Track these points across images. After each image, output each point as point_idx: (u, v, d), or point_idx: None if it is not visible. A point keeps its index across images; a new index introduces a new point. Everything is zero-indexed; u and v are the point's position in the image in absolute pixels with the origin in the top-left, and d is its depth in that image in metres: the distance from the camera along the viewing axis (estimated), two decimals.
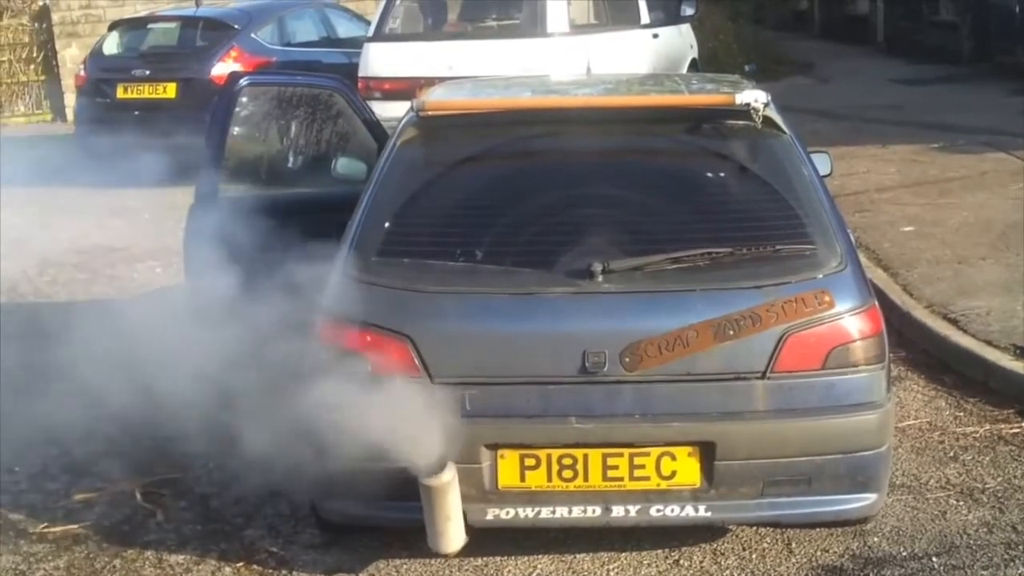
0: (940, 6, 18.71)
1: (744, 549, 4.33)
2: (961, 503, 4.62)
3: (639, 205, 4.18)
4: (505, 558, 4.29)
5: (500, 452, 3.88)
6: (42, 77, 17.99)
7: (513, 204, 4.19)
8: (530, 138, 4.43)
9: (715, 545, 4.35)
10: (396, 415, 3.74)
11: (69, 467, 5.22)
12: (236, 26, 12.85)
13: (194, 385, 4.51)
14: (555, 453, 3.86)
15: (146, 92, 12.51)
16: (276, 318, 4.18)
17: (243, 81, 5.70)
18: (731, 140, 4.33)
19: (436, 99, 4.77)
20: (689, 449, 3.85)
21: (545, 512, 3.90)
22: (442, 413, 3.78)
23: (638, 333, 3.82)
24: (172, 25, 13.50)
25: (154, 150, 10.64)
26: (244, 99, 5.66)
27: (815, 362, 3.86)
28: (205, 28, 13.06)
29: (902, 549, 4.29)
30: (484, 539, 4.07)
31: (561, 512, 3.90)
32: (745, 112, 4.23)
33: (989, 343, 6.06)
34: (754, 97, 4.23)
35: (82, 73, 13.39)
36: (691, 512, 3.90)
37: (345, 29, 14.14)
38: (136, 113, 12.33)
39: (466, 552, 3.99)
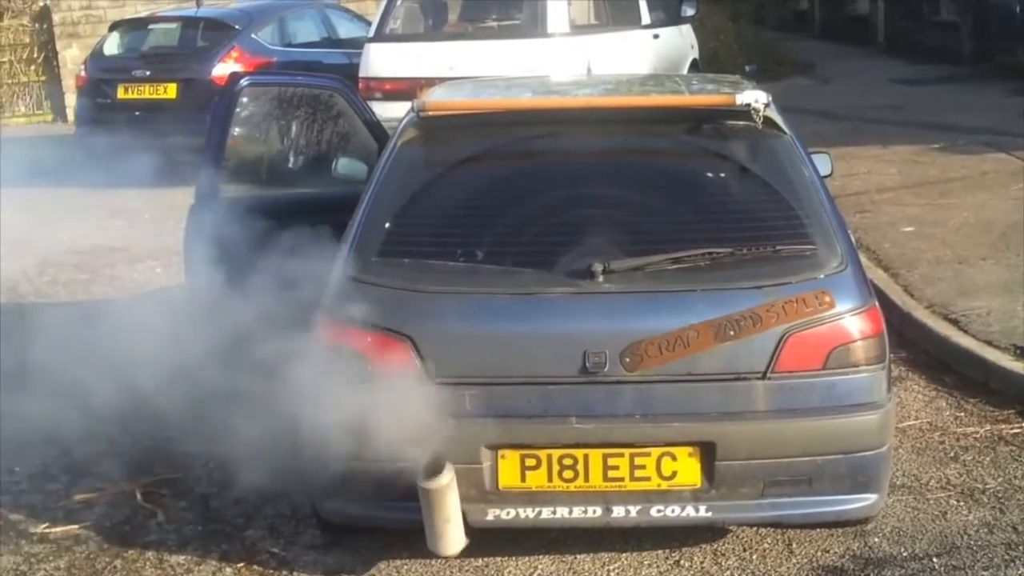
0: (941, 6, 18.71)
1: (745, 549, 4.33)
2: (962, 503, 4.62)
3: (640, 205, 4.18)
4: (506, 558, 4.29)
5: (501, 452, 3.87)
6: (43, 78, 18.00)
7: (514, 204, 4.19)
8: (531, 138, 4.43)
9: (716, 546, 4.35)
10: (396, 415, 3.74)
11: (69, 467, 5.22)
12: (237, 27, 12.86)
13: (194, 385, 4.51)
14: (556, 453, 3.86)
15: (147, 92, 12.52)
16: (276, 318, 4.18)
17: (244, 81, 5.70)
18: (732, 140, 4.33)
19: (437, 99, 4.77)
20: (690, 449, 3.85)
21: (546, 512, 3.90)
22: (442, 413, 3.79)
23: (639, 333, 3.82)
24: (173, 26, 13.51)
25: (155, 150, 10.66)
26: (245, 99, 5.66)
27: (816, 362, 3.86)
28: (206, 28, 13.06)
29: (903, 549, 4.29)
30: (485, 539, 4.07)
31: (562, 512, 3.90)
32: (746, 112, 4.24)
33: (990, 343, 6.06)
34: (754, 97, 4.23)
35: (83, 73, 13.39)
36: (692, 512, 3.89)
37: (346, 29, 14.15)
38: (137, 113, 12.34)
39: (467, 552, 3.98)
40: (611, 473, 3.86)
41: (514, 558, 4.29)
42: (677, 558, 4.28)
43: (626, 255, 3.96)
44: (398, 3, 10.94)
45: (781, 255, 3.98)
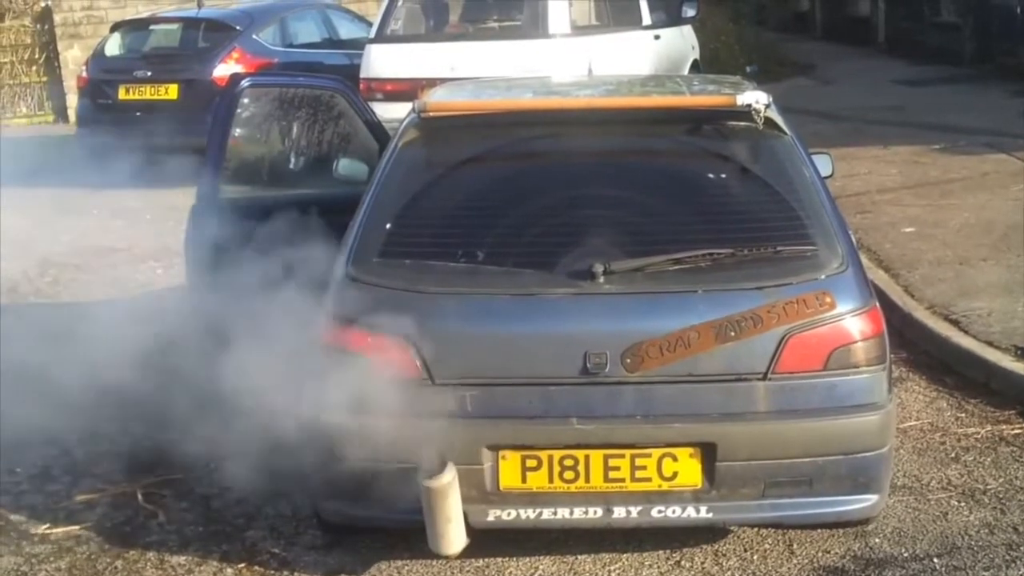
0: (942, 7, 18.71)
1: (745, 550, 4.33)
2: (962, 504, 4.62)
3: (640, 206, 4.18)
4: (507, 559, 4.29)
5: (501, 453, 3.88)
6: (44, 78, 18.00)
7: (514, 205, 4.19)
8: (532, 139, 4.43)
9: (716, 546, 4.35)
10: (397, 416, 3.75)
11: (70, 468, 5.22)
12: (238, 27, 12.86)
13: (195, 386, 4.51)
14: (556, 454, 3.86)
15: (148, 93, 12.51)
16: (277, 319, 4.18)
17: (245, 82, 5.70)
18: (732, 141, 4.33)
19: (438, 100, 4.78)
20: (690, 450, 3.85)
21: (546, 513, 3.90)
22: (443, 414, 3.79)
23: (639, 334, 3.82)
24: (174, 26, 13.51)
25: (156, 151, 10.68)
26: (246, 100, 5.66)
27: (816, 363, 3.86)
28: (207, 29, 13.06)
29: (903, 550, 4.29)
30: (485, 540, 4.07)
31: (562, 513, 3.90)
32: (746, 113, 4.24)
33: (990, 344, 6.06)
34: (755, 98, 4.23)
35: (84, 74, 13.39)
36: (692, 513, 3.90)
37: (347, 30, 14.15)
38: (138, 114, 12.33)
39: (467, 553, 3.99)
40: (612, 474, 3.86)
41: (515, 559, 4.29)
42: (678, 559, 4.28)
43: (627, 256, 3.96)
44: (399, 4, 10.94)
45: (782, 256, 3.98)
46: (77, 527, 4.70)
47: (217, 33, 12.90)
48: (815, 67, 18.95)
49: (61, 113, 17.66)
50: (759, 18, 23.94)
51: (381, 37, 10.84)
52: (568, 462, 3.86)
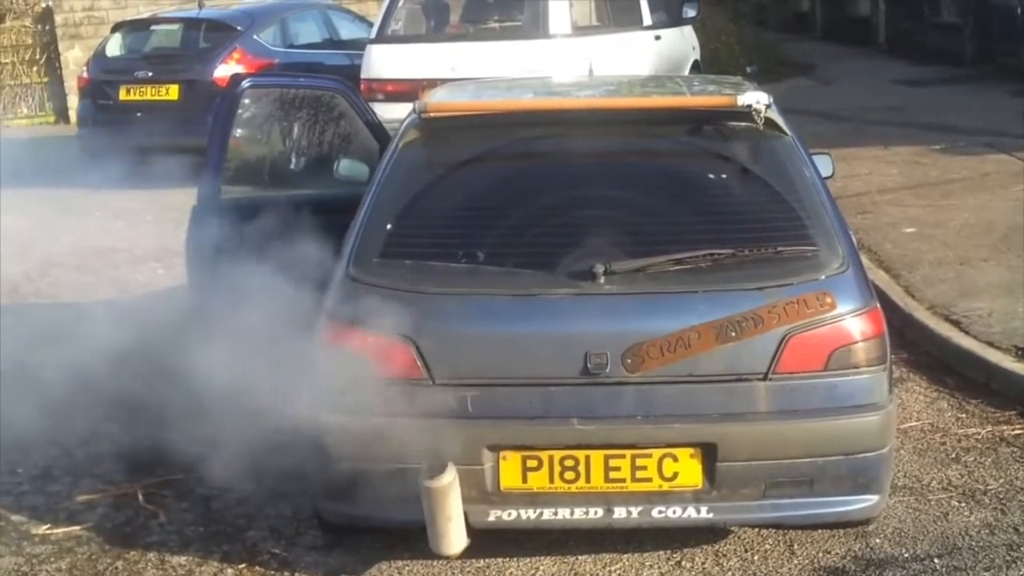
0: (942, 7, 18.72)
1: (746, 550, 4.33)
2: (963, 505, 4.62)
3: (641, 206, 4.18)
4: (507, 560, 4.29)
5: (502, 453, 3.88)
6: (45, 79, 18.02)
7: (515, 206, 4.19)
8: (532, 140, 4.43)
9: (717, 546, 4.35)
10: (398, 417, 3.75)
11: (71, 469, 5.23)
12: (239, 28, 12.86)
13: (196, 386, 4.51)
14: (557, 454, 3.86)
15: (149, 94, 12.51)
16: (278, 319, 4.18)
17: (245, 83, 5.70)
18: (733, 142, 4.33)
19: (438, 101, 4.78)
20: (691, 450, 3.85)
21: (547, 513, 3.91)
22: (444, 414, 3.79)
23: (640, 334, 3.82)
24: (175, 27, 13.51)
25: (156, 152, 10.68)
26: (246, 101, 5.66)
27: (817, 363, 3.86)
28: (208, 30, 13.06)
29: (904, 550, 4.29)
30: (486, 540, 4.07)
31: (563, 513, 3.90)
32: (747, 114, 4.24)
33: (991, 345, 6.06)
34: (755, 99, 4.23)
35: (84, 75, 13.39)
36: (693, 513, 3.90)
37: (348, 31, 14.15)
38: (139, 115, 12.33)
39: (468, 554, 3.99)
40: (612, 474, 3.86)
41: (516, 559, 4.30)
42: (679, 559, 4.28)
43: (627, 256, 3.96)
44: (400, 4, 10.94)
45: (782, 256, 3.98)
46: (78, 527, 4.70)
47: (218, 34, 12.90)
48: (815, 67, 18.96)
49: (62, 114, 17.67)
50: (759, 18, 23.98)
51: (382, 37, 10.84)
52: (569, 462, 3.86)
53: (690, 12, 12.71)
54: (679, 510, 3.89)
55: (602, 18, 11.60)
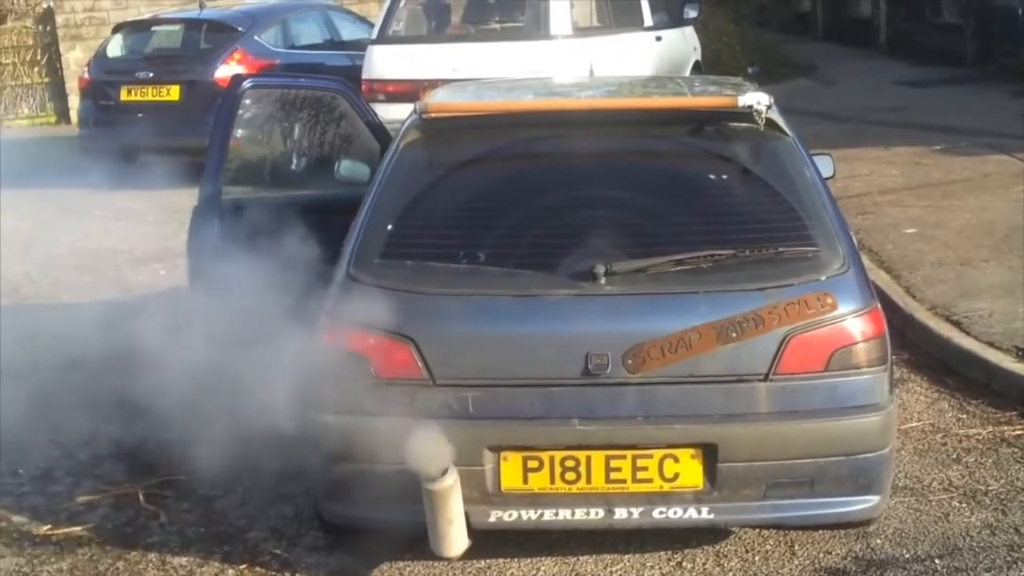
0: (943, 8, 18.71)
1: (747, 551, 4.33)
2: (964, 505, 4.62)
3: (642, 207, 4.18)
4: (508, 560, 4.29)
5: (503, 454, 3.88)
6: (46, 80, 18.04)
7: (516, 206, 4.19)
8: (533, 140, 4.43)
9: (718, 547, 4.35)
10: (398, 417, 3.75)
11: (72, 469, 5.23)
12: (240, 28, 12.86)
13: (197, 387, 4.51)
14: (558, 455, 3.86)
15: (150, 94, 12.51)
16: (279, 320, 4.19)
17: (246, 83, 5.70)
18: (733, 142, 4.33)
19: (439, 101, 4.78)
20: (692, 451, 3.85)
21: (548, 514, 3.91)
22: (445, 415, 3.79)
23: (641, 335, 3.82)
24: (176, 28, 13.51)
25: (158, 152, 10.69)
26: (247, 101, 5.66)
27: (818, 364, 3.86)
28: (209, 31, 13.06)
29: (905, 551, 4.29)
30: (487, 541, 4.07)
31: (564, 514, 3.90)
32: (747, 114, 4.24)
33: (992, 345, 6.06)
34: (756, 99, 4.23)
35: (85, 75, 13.39)
36: (694, 514, 3.90)
37: (349, 31, 14.15)
38: (140, 115, 12.33)
39: (469, 554, 3.98)
40: (613, 475, 3.86)
41: (516, 560, 4.30)
42: (679, 559, 4.28)
43: (628, 257, 3.96)
44: (401, 5, 10.94)
45: (783, 257, 3.98)
46: (79, 528, 4.70)
47: (219, 34, 12.90)
48: (816, 68, 18.95)
49: (63, 114, 17.69)
50: (760, 19, 23.96)
51: (383, 38, 10.84)
52: (569, 463, 3.86)
53: (691, 13, 12.71)
54: (680, 511, 3.89)
55: (603, 19, 11.60)
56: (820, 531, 4.36)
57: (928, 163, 10.84)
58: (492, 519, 3.92)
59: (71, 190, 10.60)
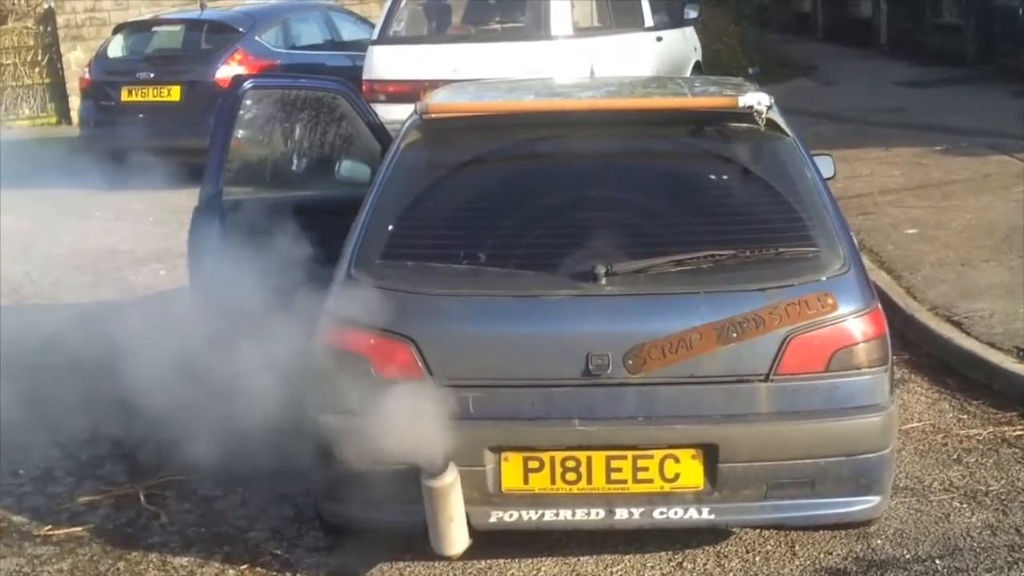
0: (943, 8, 18.73)
1: (747, 551, 4.33)
2: (964, 506, 4.62)
3: (642, 208, 4.18)
4: (509, 561, 4.29)
5: (504, 454, 3.88)
6: (47, 80, 18.04)
7: (517, 207, 4.19)
8: (534, 141, 4.43)
9: (718, 548, 4.35)
10: (399, 418, 3.75)
11: (73, 470, 5.23)
12: (240, 29, 12.87)
13: (198, 387, 4.52)
14: (558, 455, 3.86)
15: (150, 95, 12.52)
16: (279, 321, 4.19)
17: (247, 84, 5.71)
18: (734, 143, 4.33)
19: (440, 102, 4.78)
20: (692, 451, 3.85)
21: (548, 515, 3.91)
22: (445, 415, 3.79)
23: (642, 335, 3.82)
24: (176, 28, 13.52)
25: (158, 153, 10.69)
26: (248, 102, 5.66)
27: (818, 364, 3.86)
28: (209, 31, 13.07)
29: (905, 552, 4.29)
30: (488, 542, 4.07)
31: (564, 515, 3.90)
32: (748, 115, 4.24)
33: (992, 345, 6.06)
34: (757, 100, 4.23)
35: (86, 76, 13.40)
36: (694, 515, 3.90)
37: (349, 32, 14.16)
38: (140, 116, 12.35)
39: (469, 555, 3.99)
40: (614, 475, 3.86)
41: (517, 560, 4.30)
42: (680, 560, 4.28)
43: (629, 257, 3.96)
44: (402, 5, 10.94)
45: (784, 257, 3.98)
46: (79, 528, 4.70)
47: (220, 35, 12.91)
48: (817, 68, 18.96)
49: (64, 115, 17.69)
50: (761, 19, 23.98)
51: (384, 39, 10.85)
52: (570, 463, 3.86)
53: (692, 13, 12.71)
54: (680, 511, 3.89)
55: (604, 19, 11.60)
56: (821, 532, 4.36)
57: (929, 163, 10.84)
58: (493, 519, 3.92)
59: (72, 190, 10.60)
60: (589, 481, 3.87)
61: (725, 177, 4.31)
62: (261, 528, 4.65)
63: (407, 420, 3.74)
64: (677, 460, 3.85)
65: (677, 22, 12.64)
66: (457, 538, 3.86)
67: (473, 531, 3.89)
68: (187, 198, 6.12)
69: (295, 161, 6.04)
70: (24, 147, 13.73)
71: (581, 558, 4.30)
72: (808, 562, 4.25)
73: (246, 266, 4.64)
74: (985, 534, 4.39)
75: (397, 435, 3.74)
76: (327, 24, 14.15)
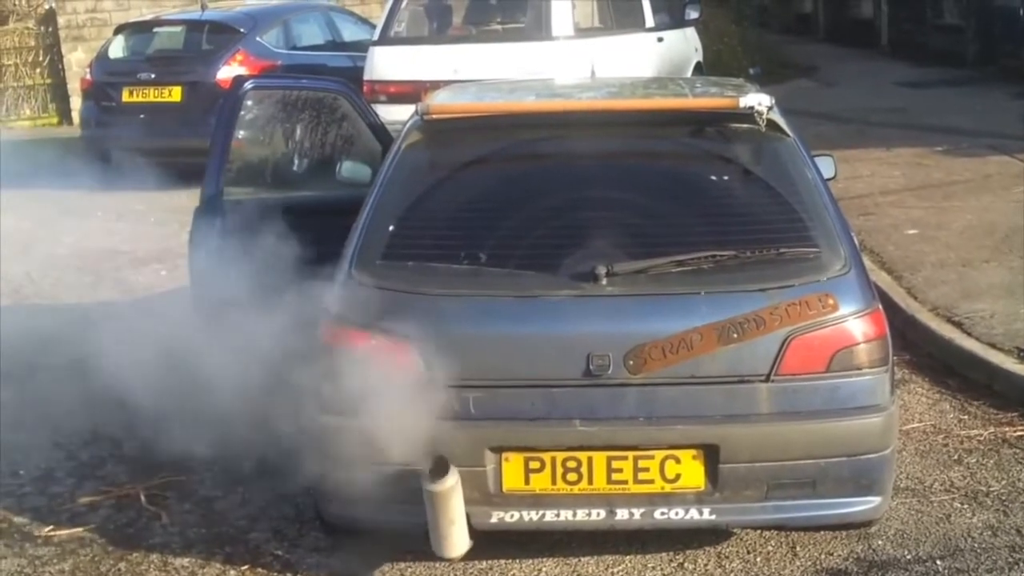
0: (944, 9, 18.72)
1: (748, 552, 4.33)
2: (965, 506, 4.62)
3: (643, 208, 4.18)
4: (509, 561, 4.29)
5: (504, 455, 3.88)
6: (48, 80, 18.05)
7: (517, 207, 4.19)
8: (534, 141, 4.43)
9: (719, 548, 4.35)
10: (400, 418, 3.75)
11: (74, 470, 5.23)
12: (241, 30, 12.87)
13: (198, 388, 4.52)
14: (559, 456, 3.86)
15: (151, 95, 12.52)
16: (280, 321, 4.19)
17: (248, 84, 5.71)
18: (735, 143, 4.33)
19: (441, 102, 4.78)
20: (693, 452, 3.85)
21: (549, 515, 3.91)
22: (446, 416, 3.79)
23: (642, 336, 3.82)
24: (177, 29, 13.51)
25: (159, 153, 10.70)
26: (249, 102, 5.67)
27: (819, 365, 3.86)
28: (210, 32, 13.07)
29: (906, 552, 4.29)
30: (488, 542, 4.07)
31: (565, 515, 3.90)
32: (749, 115, 4.23)
33: (993, 346, 6.06)
34: (758, 100, 4.23)
35: (87, 76, 13.40)
36: (695, 515, 3.90)
37: (350, 32, 14.16)
38: (141, 116, 12.36)
39: (470, 555, 3.99)
40: (615, 476, 3.86)
41: (518, 561, 4.30)
42: (681, 560, 4.28)
43: (630, 258, 3.95)
44: (402, 6, 10.94)
45: (784, 258, 3.98)
46: (80, 529, 4.70)
47: (221, 35, 12.91)
48: (818, 69, 18.95)
49: (65, 115, 17.70)
50: (762, 20, 23.98)
51: (385, 39, 10.85)
52: (571, 464, 3.86)
53: (692, 14, 12.71)
54: (681, 512, 3.89)
55: (604, 20, 11.60)
56: (822, 532, 4.36)
57: (929, 164, 10.84)
58: (494, 520, 3.93)
59: (72, 191, 10.61)
60: (590, 481, 3.87)
61: (726, 178, 4.31)
62: (262, 528, 4.65)
63: (407, 420, 3.75)
64: (678, 460, 3.85)
65: (678, 23, 12.64)
66: (458, 541, 3.86)
67: (474, 532, 3.89)
68: (188, 198, 6.13)
69: (296, 162, 6.04)
70: (25, 147, 13.73)
71: (582, 559, 4.30)
72: (809, 563, 4.25)
73: (247, 266, 4.64)
74: (986, 535, 4.39)
75: (398, 436, 3.74)
76: (328, 25, 14.16)
